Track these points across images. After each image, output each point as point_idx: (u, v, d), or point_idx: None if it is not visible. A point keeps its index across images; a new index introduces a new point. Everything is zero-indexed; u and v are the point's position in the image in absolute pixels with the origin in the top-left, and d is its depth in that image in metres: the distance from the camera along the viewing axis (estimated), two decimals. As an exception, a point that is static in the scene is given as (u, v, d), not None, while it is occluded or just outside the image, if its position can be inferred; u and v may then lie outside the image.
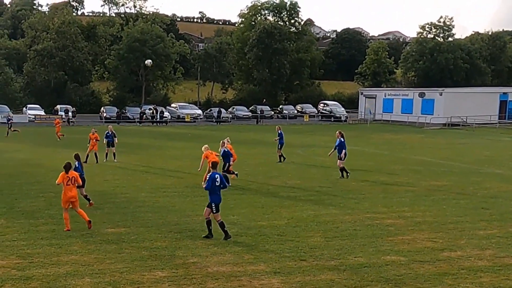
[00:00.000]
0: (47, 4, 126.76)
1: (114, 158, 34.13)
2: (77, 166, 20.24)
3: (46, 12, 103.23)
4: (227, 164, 25.99)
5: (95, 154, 33.42)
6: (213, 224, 16.69)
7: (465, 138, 56.25)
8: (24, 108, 78.43)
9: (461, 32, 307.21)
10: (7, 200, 22.02)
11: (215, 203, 16.64)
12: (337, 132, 29.69)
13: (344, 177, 28.32)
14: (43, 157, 36.82)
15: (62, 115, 72.32)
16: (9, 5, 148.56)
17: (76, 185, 17.82)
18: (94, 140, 33.24)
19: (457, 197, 23.83)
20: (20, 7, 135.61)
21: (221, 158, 25.62)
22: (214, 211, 16.56)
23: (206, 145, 25.58)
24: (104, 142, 34.50)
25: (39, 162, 34.10)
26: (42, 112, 75.52)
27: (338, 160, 28.76)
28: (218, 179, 16.75)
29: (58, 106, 77.59)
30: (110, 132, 34.61)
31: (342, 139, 28.75)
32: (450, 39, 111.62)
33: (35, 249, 15.45)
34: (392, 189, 25.51)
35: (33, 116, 72.65)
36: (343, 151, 28.49)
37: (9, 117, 56.08)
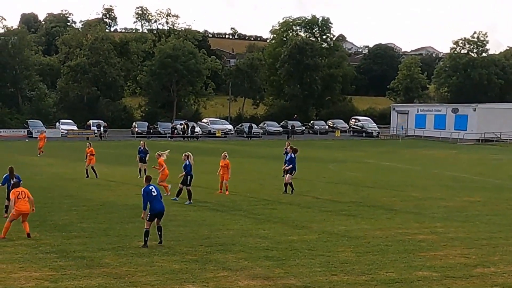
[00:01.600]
0: (81, 21, 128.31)
1: (140, 175, 33.05)
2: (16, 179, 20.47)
3: (80, 29, 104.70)
4: (188, 177, 25.80)
5: (93, 168, 33.40)
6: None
7: (499, 154, 55.55)
8: (57, 123, 79.42)
9: (495, 47, 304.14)
10: (40, 213, 22.20)
11: (152, 213, 17.54)
12: (288, 147, 29.86)
13: (288, 192, 27.98)
14: (76, 171, 37.12)
15: (94, 130, 73.18)
16: (43, 22, 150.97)
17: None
18: (89, 155, 33.21)
19: (490, 213, 23.52)
20: (54, 23, 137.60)
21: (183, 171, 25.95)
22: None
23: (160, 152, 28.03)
24: (137, 158, 34.35)
25: (72, 176, 34.42)
26: (74, 127, 76.43)
27: (288, 175, 28.57)
28: (153, 190, 17.84)
29: (91, 121, 78.37)
30: (142, 148, 34.13)
31: (293, 155, 28.72)
32: (484, 54, 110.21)
33: (67, 261, 15.59)
34: (424, 205, 25.27)
35: (66, 131, 73.48)
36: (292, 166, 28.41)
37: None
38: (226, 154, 28.54)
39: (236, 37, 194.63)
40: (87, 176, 33.01)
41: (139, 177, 33.32)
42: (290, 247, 17.34)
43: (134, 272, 14.67)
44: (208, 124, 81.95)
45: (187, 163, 25.88)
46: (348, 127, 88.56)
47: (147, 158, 33.95)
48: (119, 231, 19.26)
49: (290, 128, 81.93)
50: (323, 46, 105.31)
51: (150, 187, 17.80)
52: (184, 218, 21.60)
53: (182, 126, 75.96)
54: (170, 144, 65.18)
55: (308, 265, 15.40)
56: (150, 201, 17.60)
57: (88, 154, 33.19)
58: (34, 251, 16.57)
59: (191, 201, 24.76)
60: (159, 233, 17.75)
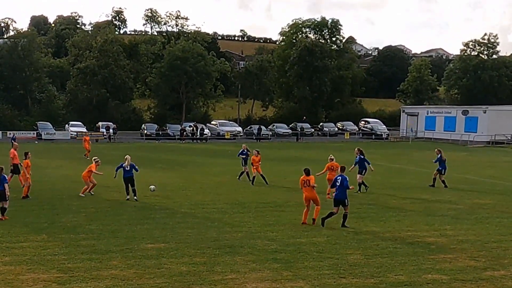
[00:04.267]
0: (90, 23, 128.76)
1: (243, 178, 33.32)
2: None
3: (89, 31, 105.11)
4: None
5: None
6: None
7: (509, 156, 55.26)
8: (67, 125, 79.66)
9: (506, 49, 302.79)
10: (49, 215, 22.28)
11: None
12: (356, 149, 30.12)
13: (362, 191, 28.88)
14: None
15: (103, 132, 73.31)
16: (53, 24, 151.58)
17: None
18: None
19: (500, 215, 23.37)
20: (64, 26, 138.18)
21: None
22: None
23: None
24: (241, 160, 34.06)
25: (81, 178, 34.33)
26: (84, 129, 76.46)
27: (358, 175, 29.07)
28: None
29: (100, 123, 78.53)
30: (245, 150, 33.63)
31: (361, 156, 29.33)
32: (494, 56, 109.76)
33: (75, 263, 15.57)
34: (434, 207, 25.14)
35: (75, 133, 73.62)
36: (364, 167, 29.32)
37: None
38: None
39: (245, 39, 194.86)
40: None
41: (239, 179, 33.35)
42: (299, 249, 17.27)
43: (142, 274, 14.64)
44: (217, 126, 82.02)
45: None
46: (357, 129, 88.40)
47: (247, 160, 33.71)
48: (127, 233, 19.23)
49: (299, 130, 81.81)
50: (332, 48, 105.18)
51: (338, 178, 20.30)
52: (192, 220, 21.55)
53: (191, 128, 76.02)
54: (179, 146, 65.29)
55: (316, 268, 15.33)
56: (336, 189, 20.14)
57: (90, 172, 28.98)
58: (42, 253, 16.56)
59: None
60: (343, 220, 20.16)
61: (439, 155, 32.94)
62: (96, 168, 27.77)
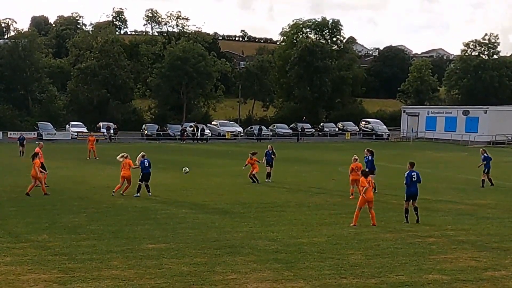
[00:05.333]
0: (91, 24, 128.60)
1: (267, 179, 33.58)
2: None
3: (90, 31, 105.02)
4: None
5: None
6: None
7: (510, 156, 55.18)
8: (67, 125, 79.69)
9: (507, 49, 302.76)
10: (50, 216, 22.28)
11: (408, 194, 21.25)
12: (365, 150, 30.20)
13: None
14: (85, 173, 37.25)
15: (104, 132, 73.33)
16: (54, 25, 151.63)
17: None
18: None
19: (501, 215, 23.35)
20: (65, 26, 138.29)
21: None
22: None
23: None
24: (263, 160, 34.03)
25: (82, 179, 34.46)
26: (84, 129, 76.52)
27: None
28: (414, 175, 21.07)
29: (100, 123, 78.56)
30: (270, 151, 33.97)
31: (370, 157, 29.39)
32: (495, 56, 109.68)
33: (76, 263, 15.57)
34: (435, 207, 25.13)
35: (76, 133, 73.66)
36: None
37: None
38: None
39: (246, 39, 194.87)
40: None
41: (266, 180, 33.37)
42: (299, 249, 17.26)
43: (143, 274, 14.63)
44: (218, 127, 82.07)
45: None
46: (358, 130, 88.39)
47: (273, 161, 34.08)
48: (128, 233, 19.23)
49: (300, 130, 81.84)
50: (333, 48, 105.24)
51: (413, 173, 20.93)
52: (193, 221, 21.55)
53: (192, 129, 76.03)
54: (180, 146, 65.32)
55: (317, 268, 15.32)
56: (407, 185, 20.83)
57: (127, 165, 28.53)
58: (43, 253, 16.57)
59: None
60: (416, 212, 21.07)
61: (485, 154, 33.49)
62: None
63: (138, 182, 27.30)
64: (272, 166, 33.87)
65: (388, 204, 25.81)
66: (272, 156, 33.91)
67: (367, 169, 26.92)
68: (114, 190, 27.28)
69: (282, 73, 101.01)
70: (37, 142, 53.33)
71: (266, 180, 33.05)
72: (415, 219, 21.22)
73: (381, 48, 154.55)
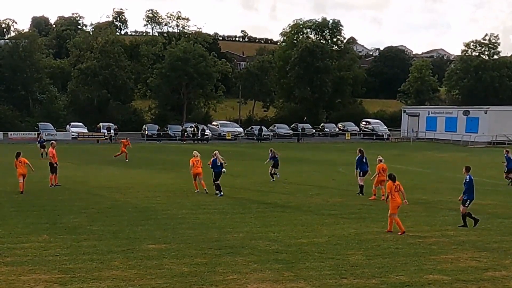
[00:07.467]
0: (91, 24, 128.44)
1: (272, 178, 34.11)
2: None
3: (90, 32, 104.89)
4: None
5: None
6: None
7: (511, 156, 55.12)
8: (68, 126, 79.64)
9: (507, 49, 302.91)
10: (50, 216, 22.28)
11: None
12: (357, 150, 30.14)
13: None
14: (86, 174, 37.23)
15: (104, 133, 73.29)
16: (54, 25, 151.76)
17: None
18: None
19: (502, 216, 23.38)
20: (65, 27, 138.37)
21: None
22: None
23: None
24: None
25: (82, 179, 34.45)
26: (85, 130, 76.46)
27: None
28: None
29: (101, 124, 78.46)
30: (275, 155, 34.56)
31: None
32: (495, 56, 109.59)
33: (77, 264, 15.57)
34: (435, 208, 25.15)
35: (76, 134, 73.64)
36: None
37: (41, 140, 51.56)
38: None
39: (246, 40, 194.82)
40: None
41: (271, 180, 33.60)
42: (300, 250, 17.26)
43: (143, 275, 14.63)
44: (218, 127, 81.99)
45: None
46: (358, 130, 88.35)
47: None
48: (128, 233, 19.23)
49: (300, 130, 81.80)
50: (333, 48, 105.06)
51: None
52: (193, 221, 21.55)
53: (192, 129, 76.00)
54: (181, 147, 65.27)
55: (317, 268, 15.32)
56: (472, 191, 21.33)
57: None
58: (44, 254, 16.57)
59: None
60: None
61: (507, 154, 33.97)
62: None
63: (215, 183, 27.99)
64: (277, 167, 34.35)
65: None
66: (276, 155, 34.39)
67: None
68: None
69: (283, 73, 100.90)
70: (37, 142, 53.37)
71: (271, 180, 33.49)
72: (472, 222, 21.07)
73: (382, 48, 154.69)
